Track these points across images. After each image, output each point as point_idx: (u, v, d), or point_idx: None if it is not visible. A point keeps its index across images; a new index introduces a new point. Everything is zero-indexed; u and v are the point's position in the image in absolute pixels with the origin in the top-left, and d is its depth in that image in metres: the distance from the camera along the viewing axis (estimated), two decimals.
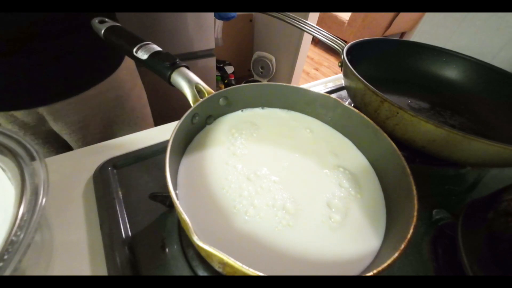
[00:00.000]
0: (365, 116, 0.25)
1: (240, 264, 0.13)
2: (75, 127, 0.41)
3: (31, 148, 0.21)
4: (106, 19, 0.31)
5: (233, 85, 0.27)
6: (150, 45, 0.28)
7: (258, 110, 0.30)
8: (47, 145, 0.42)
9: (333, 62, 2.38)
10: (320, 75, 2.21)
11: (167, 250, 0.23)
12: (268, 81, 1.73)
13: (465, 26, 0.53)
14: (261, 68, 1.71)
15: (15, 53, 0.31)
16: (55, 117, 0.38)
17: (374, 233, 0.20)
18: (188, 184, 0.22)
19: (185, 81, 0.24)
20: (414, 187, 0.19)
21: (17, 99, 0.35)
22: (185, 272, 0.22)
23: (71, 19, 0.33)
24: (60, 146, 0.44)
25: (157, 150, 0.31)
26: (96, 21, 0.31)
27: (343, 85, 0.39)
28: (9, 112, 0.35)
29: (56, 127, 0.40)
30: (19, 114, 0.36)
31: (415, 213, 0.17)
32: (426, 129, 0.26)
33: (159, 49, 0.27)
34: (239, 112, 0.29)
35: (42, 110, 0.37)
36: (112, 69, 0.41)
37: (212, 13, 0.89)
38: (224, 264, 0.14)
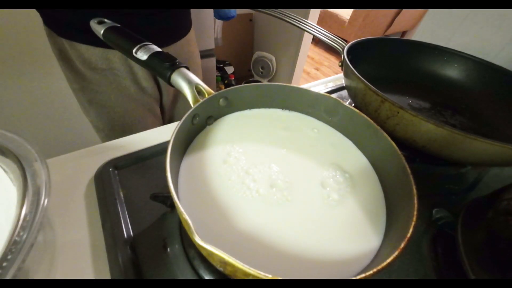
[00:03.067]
0: (365, 116, 0.25)
1: (241, 263, 0.13)
2: None
3: (33, 150, 0.21)
4: (105, 20, 0.32)
5: (233, 85, 0.27)
6: (149, 45, 0.28)
7: (258, 110, 0.30)
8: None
9: (333, 61, 2.38)
10: (321, 75, 2.21)
11: (168, 249, 0.23)
12: (269, 81, 1.73)
13: (467, 25, 0.53)
14: (261, 68, 1.71)
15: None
16: None
17: (374, 232, 0.20)
18: (189, 184, 0.22)
19: (185, 82, 0.25)
20: (414, 187, 0.19)
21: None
22: (187, 271, 0.22)
23: None
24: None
25: (158, 151, 0.32)
26: (95, 21, 0.31)
27: (344, 85, 0.39)
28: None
29: None
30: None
31: (415, 212, 0.17)
32: (426, 129, 0.26)
33: (158, 49, 0.27)
34: (239, 112, 0.29)
35: None
36: (188, 28, 0.56)
37: (212, 13, 0.88)
38: (225, 263, 0.14)
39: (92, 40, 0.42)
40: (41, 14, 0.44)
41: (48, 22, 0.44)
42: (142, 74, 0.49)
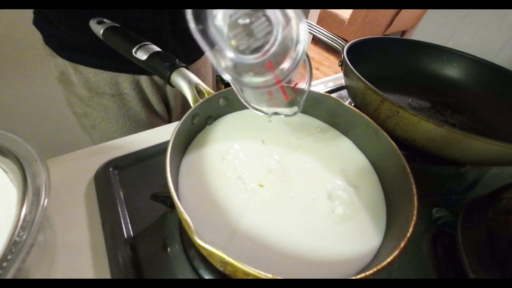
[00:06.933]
0: (365, 116, 0.25)
1: (241, 263, 0.13)
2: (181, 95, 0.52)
3: (33, 150, 0.21)
4: (105, 20, 0.31)
5: None
6: (149, 45, 0.28)
7: None
8: (160, 105, 0.49)
9: (333, 61, 2.38)
10: (321, 74, 2.21)
11: (168, 249, 0.23)
12: None
13: (467, 24, 0.53)
14: None
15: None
16: None
17: (374, 232, 0.20)
18: (189, 184, 0.22)
19: (185, 82, 0.25)
20: (414, 186, 0.19)
21: None
22: (187, 271, 0.22)
23: None
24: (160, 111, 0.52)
25: (158, 151, 0.32)
26: (95, 21, 0.31)
27: (344, 84, 0.39)
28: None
29: (170, 91, 0.49)
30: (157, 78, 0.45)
31: (415, 212, 0.17)
32: (426, 128, 0.26)
33: (158, 49, 0.27)
34: (239, 112, 0.29)
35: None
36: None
37: None
38: (225, 263, 0.14)
39: (101, 64, 0.39)
40: (41, 32, 0.40)
41: (49, 41, 0.40)
42: (153, 98, 0.46)
